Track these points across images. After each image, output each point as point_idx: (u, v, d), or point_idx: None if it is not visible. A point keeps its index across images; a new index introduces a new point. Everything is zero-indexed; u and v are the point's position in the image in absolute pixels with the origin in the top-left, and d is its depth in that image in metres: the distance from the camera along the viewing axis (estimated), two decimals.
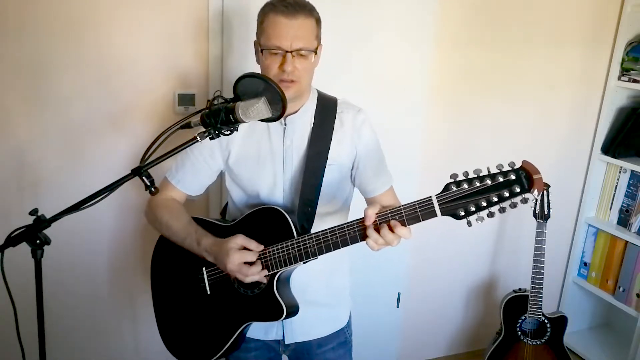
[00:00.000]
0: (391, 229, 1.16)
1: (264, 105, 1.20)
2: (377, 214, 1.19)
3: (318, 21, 1.35)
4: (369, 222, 1.18)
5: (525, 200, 1.05)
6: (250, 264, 1.32)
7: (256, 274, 1.32)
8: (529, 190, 1.03)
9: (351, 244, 1.25)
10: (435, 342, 2.87)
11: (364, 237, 1.21)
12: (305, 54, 1.31)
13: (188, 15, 1.97)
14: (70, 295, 2.11)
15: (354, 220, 1.24)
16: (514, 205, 1.06)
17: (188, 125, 1.25)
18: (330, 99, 1.47)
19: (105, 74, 1.93)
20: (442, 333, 2.88)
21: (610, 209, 2.83)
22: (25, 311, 1.26)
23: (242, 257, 1.30)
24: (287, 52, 1.28)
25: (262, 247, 1.34)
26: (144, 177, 1.15)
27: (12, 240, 1.13)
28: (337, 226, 1.25)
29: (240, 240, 1.32)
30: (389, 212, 1.18)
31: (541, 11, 2.49)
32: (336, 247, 1.26)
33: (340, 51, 2.13)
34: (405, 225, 1.16)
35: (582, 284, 2.94)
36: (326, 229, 1.27)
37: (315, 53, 1.34)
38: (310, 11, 1.32)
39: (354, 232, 1.23)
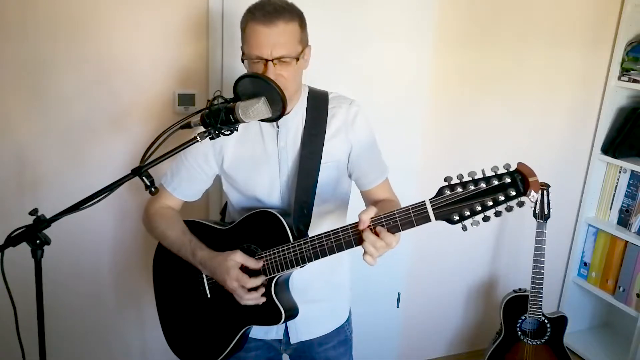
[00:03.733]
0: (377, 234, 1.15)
1: (264, 105, 1.20)
2: (372, 218, 1.17)
3: (302, 24, 1.30)
4: (363, 226, 1.17)
5: (521, 204, 1.02)
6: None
7: (252, 299, 1.32)
8: (524, 194, 1.01)
9: (346, 249, 1.24)
10: (435, 342, 2.87)
11: (359, 241, 1.20)
12: (287, 61, 1.27)
13: (188, 15, 1.96)
14: (72, 295, 2.11)
15: (348, 225, 1.23)
16: (510, 209, 1.04)
17: (188, 125, 1.25)
18: (321, 94, 1.44)
19: (106, 74, 1.93)
20: (442, 333, 2.87)
21: (610, 209, 2.83)
22: (25, 311, 1.26)
23: (241, 281, 1.30)
24: (267, 60, 1.25)
25: (260, 265, 1.32)
26: (143, 177, 1.15)
27: (12, 240, 1.13)
28: (332, 230, 1.24)
29: (239, 257, 1.31)
30: (382, 216, 1.17)
31: (541, 11, 2.49)
32: (332, 251, 1.25)
33: (340, 52, 2.13)
34: (400, 230, 1.15)
35: (582, 284, 2.94)
36: (321, 234, 1.26)
37: (298, 59, 1.28)
38: (291, 15, 1.26)
39: (349, 237, 1.22)
